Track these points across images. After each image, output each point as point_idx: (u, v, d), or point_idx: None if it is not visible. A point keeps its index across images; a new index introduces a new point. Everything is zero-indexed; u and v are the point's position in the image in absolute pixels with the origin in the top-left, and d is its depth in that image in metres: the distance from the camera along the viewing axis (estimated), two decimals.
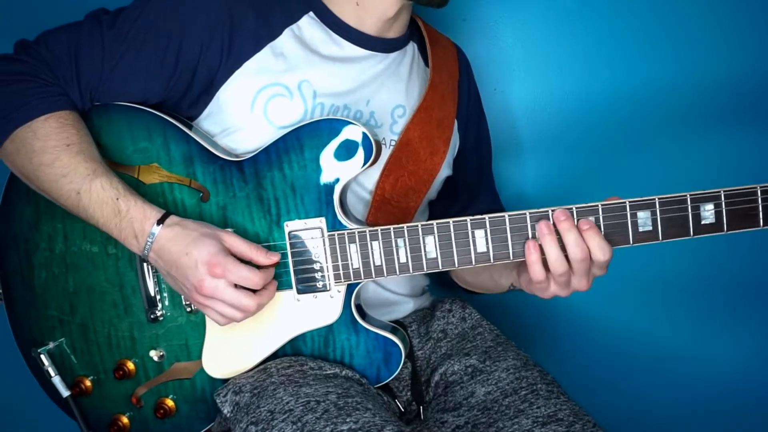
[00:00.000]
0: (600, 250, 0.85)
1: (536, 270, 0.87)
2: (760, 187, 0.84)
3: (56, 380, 1.01)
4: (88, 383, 1.02)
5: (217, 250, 0.86)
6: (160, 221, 0.88)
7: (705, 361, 1.48)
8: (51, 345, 1.02)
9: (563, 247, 0.86)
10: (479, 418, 0.92)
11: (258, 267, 0.90)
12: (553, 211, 0.87)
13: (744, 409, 1.49)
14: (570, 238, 0.84)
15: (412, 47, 1.14)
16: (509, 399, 0.93)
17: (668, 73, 1.35)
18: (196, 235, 0.87)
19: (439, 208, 1.21)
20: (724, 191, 0.84)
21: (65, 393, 1.01)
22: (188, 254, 0.86)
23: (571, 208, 0.86)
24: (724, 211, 0.85)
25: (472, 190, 1.24)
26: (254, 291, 0.89)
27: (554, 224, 0.86)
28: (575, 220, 0.86)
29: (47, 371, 1.01)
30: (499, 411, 0.92)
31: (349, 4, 1.03)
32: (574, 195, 1.41)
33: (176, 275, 0.89)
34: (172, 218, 0.90)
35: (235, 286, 0.87)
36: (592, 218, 0.86)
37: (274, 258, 0.91)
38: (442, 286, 1.32)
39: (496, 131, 1.29)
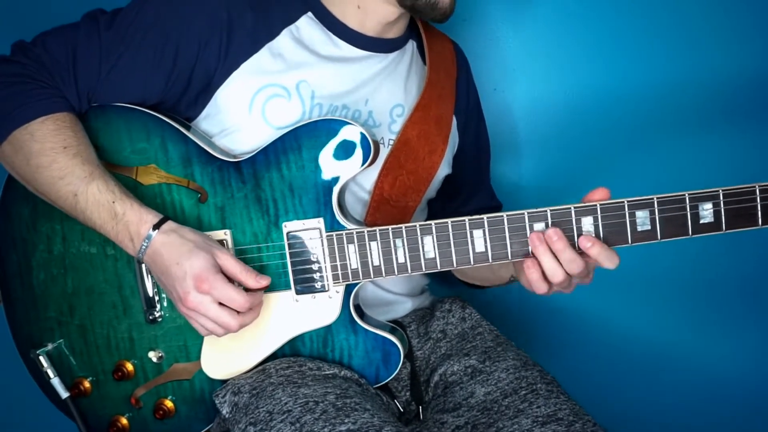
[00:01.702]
0: (609, 262, 0.85)
1: (540, 286, 0.88)
2: (759, 186, 0.84)
3: (55, 381, 1.01)
4: (87, 384, 1.02)
5: (208, 266, 0.86)
6: (157, 226, 0.88)
7: (704, 360, 1.48)
8: (50, 346, 1.02)
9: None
10: (479, 418, 0.92)
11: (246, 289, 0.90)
12: (551, 211, 0.87)
13: (744, 408, 1.48)
14: (565, 257, 0.85)
15: (411, 46, 1.14)
16: (509, 399, 0.93)
17: (667, 73, 1.35)
18: (190, 246, 0.87)
19: (436, 206, 1.21)
20: (723, 190, 0.84)
21: (64, 394, 1.01)
22: (179, 264, 0.86)
23: (570, 208, 0.86)
24: (722, 210, 0.84)
25: (470, 188, 1.24)
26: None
27: (547, 243, 0.86)
28: (575, 233, 0.86)
29: (46, 372, 1.01)
30: (499, 411, 0.92)
31: (351, 6, 1.03)
32: (573, 194, 1.41)
33: (165, 282, 0.89)
34: (169, 224, 0.89)
35: (220, 303, 0.87)
36: (590, 218, 0.86)
37: (263, 282, 0.90)
38: (441, 284, 1.32)
39: (496, 131, 1.29)
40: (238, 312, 0.88)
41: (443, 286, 1.35)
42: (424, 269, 0.91)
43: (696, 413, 1.49)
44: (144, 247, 0.88)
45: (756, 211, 0.84)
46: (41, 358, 1.01)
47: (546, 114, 1.39)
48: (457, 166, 1.19)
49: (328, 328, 0.97)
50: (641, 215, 0.86)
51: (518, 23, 1.38)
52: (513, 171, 1.40)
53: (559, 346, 1.48)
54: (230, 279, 0.89)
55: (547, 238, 0.85)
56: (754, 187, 0.84)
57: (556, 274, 0.86)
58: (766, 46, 1.33)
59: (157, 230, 0.88)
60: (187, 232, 0.89)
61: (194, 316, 0.88)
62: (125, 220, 0.89)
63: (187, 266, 0.86)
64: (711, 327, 1.47)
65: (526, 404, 0.91)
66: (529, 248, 0.87)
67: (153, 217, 0.89)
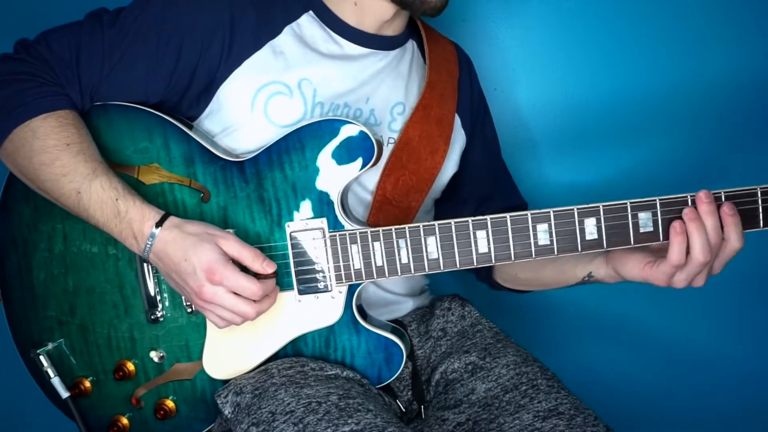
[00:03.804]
0: (737, 239, 0.83)
1: (677, 252, 0.83)
2: (761, 188, 0.84)
3: (55, 381, 1.00)
4: (87, 384, 1.02)
5: (216, 257, 0.85)
6: (159, 223, 0.88)
7: (704, 356, 1.49)
8: (50, 346, 1.02)
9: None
10: (480, 414, 0.93)
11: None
12: (554, 212, 0.87)
13: (744, 405, 1.49)
14: (710, 222, 0.82)
15: (411, 45, 1.14)
16: (510, 395, 0.94)
17: (669, 74, 1.36)
18: (194, 240, 0.86)
19: (452, 211, 1.19)
20: (725, 192, 0.85)
21: (64, 394, 1.00)
22: (187, 260, 0.86)
23: (573, 209, 0.87)
24: None
25: (484, 190, 1.22)
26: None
27: (697, 205, 0.83)
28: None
29: (46, 372, 1.00)
30: (500, 407, 0.92)
31: (348, 4, 1.03)
32: (574, 195, 1.42)
33: (177, 279, 0.89)
34: (171, 220, 0.89)
35: (235, 292, 0.87)
36: (593, 219, 0.86)
37: (269, 269, 0.89)
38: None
39: (496, 131, 1.29)
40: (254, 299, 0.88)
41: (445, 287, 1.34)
42: (427, 270, 0.91)
43: (695, 407, 1.50)
44: (149, 245, 0.88)
45: (758, 213, 0.85)
46: (41, 357, 1.00)
47: (546, 114, 1.39)
48: (464, 170, 1.18)
49: (330, 329, 0.97)
50: (644, 216, 0.86)
51: (517, 23, 1.38)
52: (513, 171, 1.40)
53: (558, 344, 1.49)
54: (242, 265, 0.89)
55: (698, 198, 0.82)
56: (756, 189, 0.84)
57: (705, 252, 0.82)
58: (767, 47, 1.34)
59: (159, 228, 0.88)
60: (188, 225, 0.88)
61: (211, 308, 0.88)
62: (128, 218, 0.88)
63: (195, 260, 0.85)
64: (710, 323, 1.48)
65: (527, 399, 0.91)
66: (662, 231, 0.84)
67: (155, 215, 0.88)
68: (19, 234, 1.02)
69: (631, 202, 0.86)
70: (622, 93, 1.37)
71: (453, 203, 1.20)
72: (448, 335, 1.11)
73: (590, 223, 0.87)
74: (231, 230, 0.94)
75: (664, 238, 0.86)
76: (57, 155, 0.90)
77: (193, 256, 0.85)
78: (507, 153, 1.28)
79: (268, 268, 0.89)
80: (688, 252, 0.84)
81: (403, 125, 1.08)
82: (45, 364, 1.00)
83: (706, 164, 1.37)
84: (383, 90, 1.07)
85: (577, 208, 0.87)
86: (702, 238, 0.83)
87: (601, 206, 0.86)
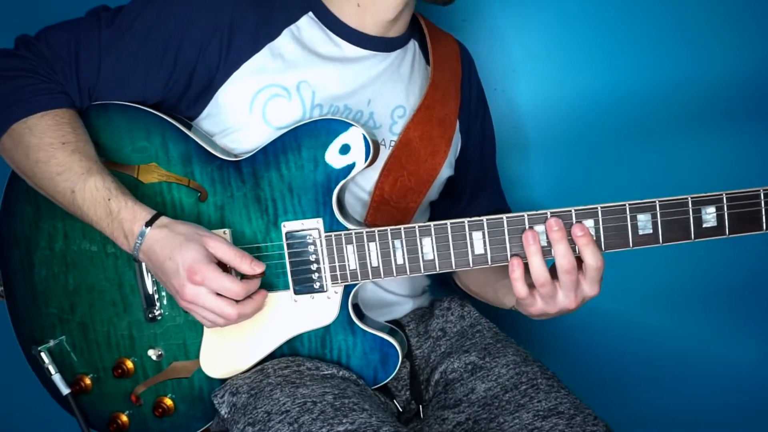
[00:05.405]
0: (592, 258, 0.84)
1: (518, 287, 0.87)
2: (764, 190, 0.82)
3: (56, 378, 1.01)
4: (87, 381, 1.03)
5: (200, 257, 0.85)
6: (149, 223, 0.88)
7: (703, 355, 1.48)
8: (51, 343, 1.03)
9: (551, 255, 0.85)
10: (480, 413, 0.92)
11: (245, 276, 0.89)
12: (551, 213, 0.86)
13: (744, 405, 1.48)
14: (559, 248, 0.84)
15: (413, 45, 1.13)
16: (510, 394, 0.93)
17: (671, 74, 1.34)
18: (181, 239, 0.86)
19: (441, 209, 1.20)
20: (727, 194, 0.83)
21: (65, 391, 1.01)
22: (171, 259, 0.86)
23: (570, 210, 0.85)
24: (726, 214, 0.83)
25: (475, 189, 1.23)
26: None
27: (546, 232, 0.85)
28: (573, 223, 0.85)
29: (47, 369, 1.01)
30: (500, 406, 0.92)
31: (350, 5, 1.02)
32: (575, 195, 1.40)
33: (162, 278, 0.89)
34: (162, 219, 0.89)
35: (218, 294, 0.87)
36: (591, 221, 0.85)
37: (258, 269, 0.89)
38: (443, 286, 1.31)
39: (497, 131, 1.28)
40: (237, 301, 0.88)
41: (444, 288, 1.34)
42: (422, 271, 0.90)
43: (694, 406, 1.48)
44: (138, 244, 0.88)
45: (760, 215, 0.83)
46: (43, 354, 1.01)
47: (547, 114, 1.38)
48: (460, 167, 1.18)
49: (326, 329, 0.96)
50: (643, 218, 0.85)
51: (518, 23, 1.38)
52: (514, 171, 1.40)
53: (558, 343, 1.48)
54: (227, 266, 0.89)
55: (548, 227, 0.84)
56: (759, 191, 0.83)
57: (540, 275, 0.85)
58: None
59: (149, 227, 0.88)
60: (178, 225, 0.89)
61: (193, 308, 0.88)
62: (120, 218, 0.89)
63: (179, 260, 0.85)
64: (710, 323, 1.47)
65: (527, 399, 0.91)
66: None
67: (146, 214, 0.89)
68: (21, 232, 1.03)
69: (630, 204, 0.85)
70: (623, 94, 1.35)
71: (444, 201, 1.20)
72: (448, 335, 1.11)
73: (588, 225, 0.85)
74: (227, 230, 0.94)
75: (663, 240, 0.85)
76: (52, 153, 0.90)
77: (177, 255, 0.86)
78: (507, 152, 1.28)
79: (256, 268, 0.89)
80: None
81: (403, 127, 1.07)
82: (46, 360, 1.01)
83: (709, 165, 1.35)
84: (384, 93, 1.07)
85: (575, 210, 0.85)
86: (538, 261, 0.85)
87: (599, 207, 0.85)
